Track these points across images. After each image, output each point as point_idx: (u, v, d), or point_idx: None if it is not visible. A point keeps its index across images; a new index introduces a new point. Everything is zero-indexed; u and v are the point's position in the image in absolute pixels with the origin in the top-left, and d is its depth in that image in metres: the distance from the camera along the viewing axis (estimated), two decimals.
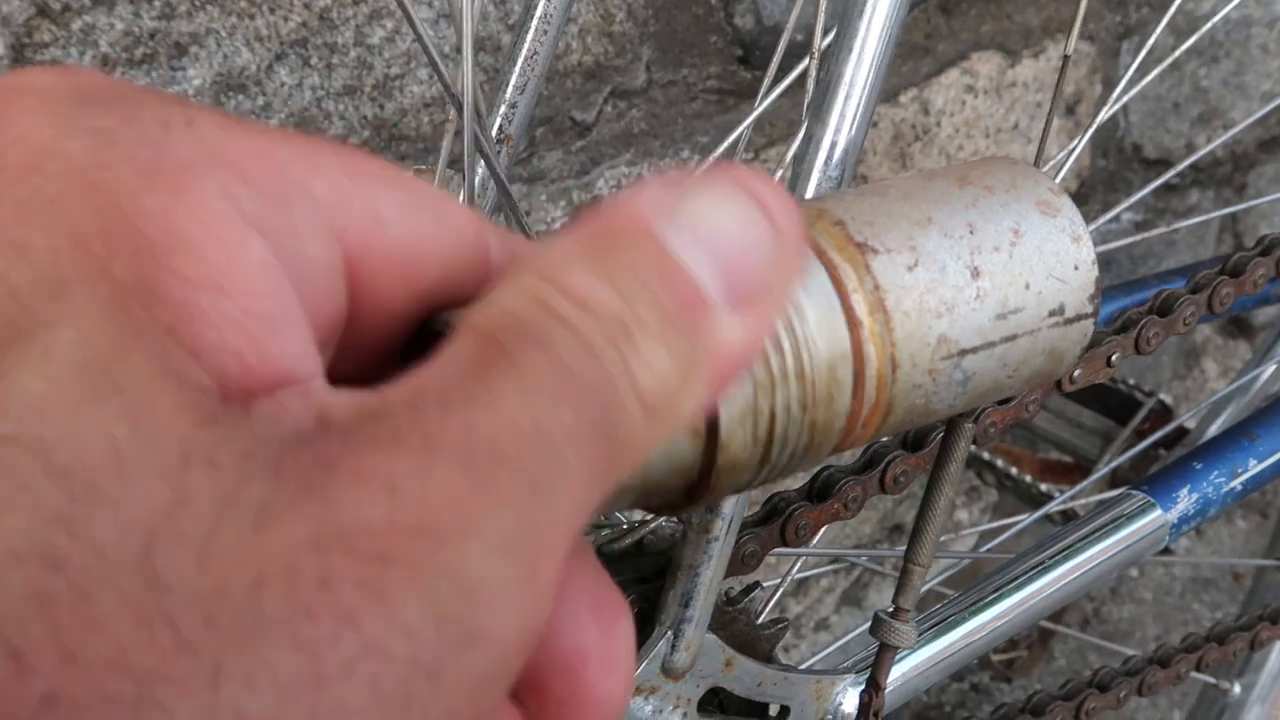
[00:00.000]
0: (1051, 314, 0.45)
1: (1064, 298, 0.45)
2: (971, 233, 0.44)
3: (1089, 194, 1.75)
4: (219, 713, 0.20)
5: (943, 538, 1.05)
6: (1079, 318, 0.46)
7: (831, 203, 0.43)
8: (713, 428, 0.34)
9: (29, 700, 0.19)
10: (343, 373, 0.30)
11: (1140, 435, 1.36)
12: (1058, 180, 0.82)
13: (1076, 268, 0.45)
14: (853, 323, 0.41)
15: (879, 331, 0.41)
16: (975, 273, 0.43)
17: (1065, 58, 0.50)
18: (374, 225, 0.28)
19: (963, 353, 0.43)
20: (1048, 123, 0.50)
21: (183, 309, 0.23)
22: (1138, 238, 0.96)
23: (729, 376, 0.29)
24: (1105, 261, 1.82)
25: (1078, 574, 0.74)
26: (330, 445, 0.22)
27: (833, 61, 0.51)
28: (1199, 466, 0.81)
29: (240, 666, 0.20)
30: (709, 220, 0.28)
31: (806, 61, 0.69)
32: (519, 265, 0.27)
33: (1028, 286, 0.44)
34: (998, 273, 0.44)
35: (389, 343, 0.31)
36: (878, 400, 0.42)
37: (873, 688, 0.55)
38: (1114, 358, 0.70)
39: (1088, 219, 0.89)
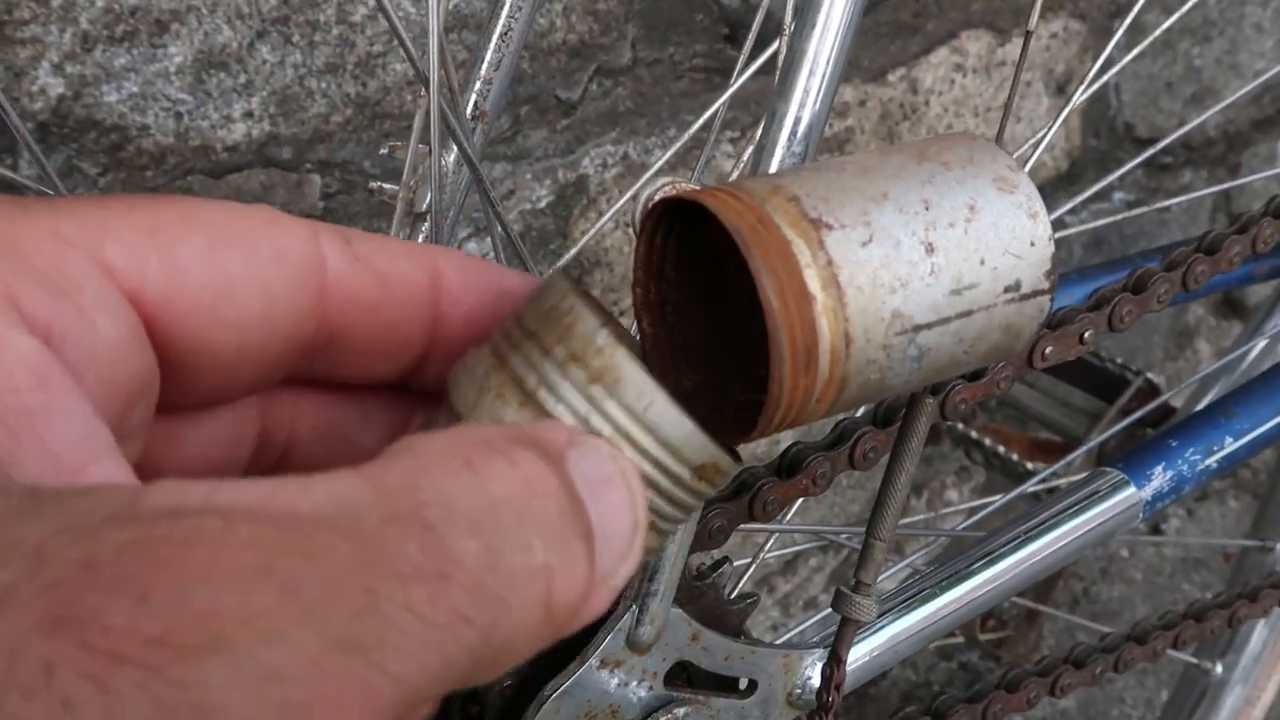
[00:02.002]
0: (1007, 290, 0.45)
1: (1020, 274, 0.45)
2: (927, 208, 0.44)
3: (1080, 174, 1.75)
4: None
5: (925, 516, 1.05)
6: (1035, 294, 0.46)
7: (787, 179, 0.43)
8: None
9: None
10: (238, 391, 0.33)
11: (1127, 414, 1.36)
12: (1035, 156, 0.82)
13: (1033, 244, 0.45)
14: (806, 297, 0.41)
15: (832, 306, 0.41)
16: (930, 248, 0.43)
17: (1027, 33, 0.50)
18: (173, 277, 0.30)
19: (917, 328, 0.44)
20: (1011, 96, 0.50)
21: None
22: (1124, 215, 0.96)
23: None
24: (1096, 242, 1.82)
25: (1050, 550, 0.74)
26: (104, 544, 0.22)
27: (796, 37, 0.51)
28: (1174, 444, 0.81)
29: None
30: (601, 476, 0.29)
31: (778, 41, 0.70)
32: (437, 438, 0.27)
33: (983, 262, 0.45)
34: (952, 248, 0.44)
35: (253, 369, 0.32)
36: (831, 375, 0.42)
37: (834, 661, 0.55)
38: (1087, 335, 0.70)
39: (1077, 198, 0.89)
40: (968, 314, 0.45)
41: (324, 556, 0.22)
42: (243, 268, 0.31)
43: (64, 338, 0.28)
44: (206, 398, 0.33)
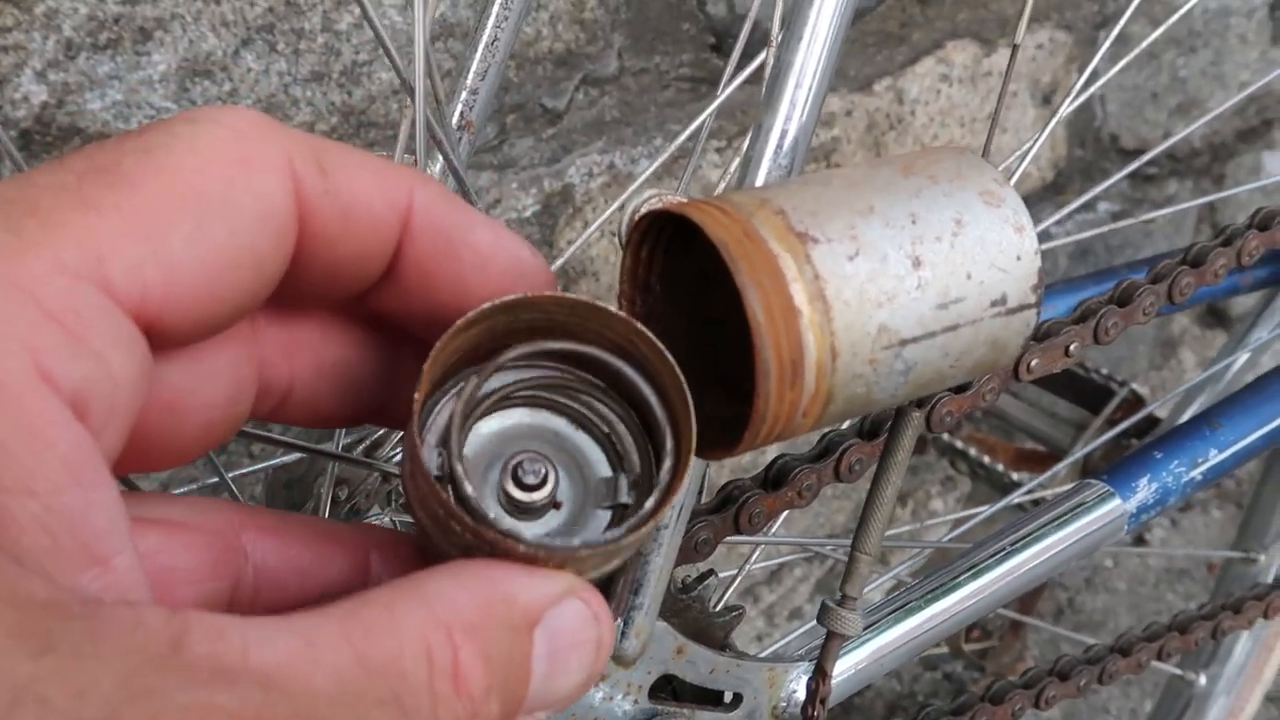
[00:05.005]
0: (994, 304, 0.45)
1: (1006, 288, 0.45)
2: (914, 222, 0.44)
3: (1065, 184, 1.75)
4: None
5: (912, 526, 1.05)
6: (1021, 308, 0.46)
7: (773, 192, 0.43)
8: None
9: None
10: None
11: (1113, 425, 1.36)
12: (1022, 168, 0.82)
13: (1019, 258, 0.45)
14: (792, 312, 0.41)
15: (819, 321, 0.41)
16: (917, 262, 0.43)
17: (1014, 47, 0.50)
18: (169, 275, 0.30)
19: (904, 342, 0.43)
20: (997, 110, 0.50)
21: (3, 519, 0.27)
22: (1110, 227, 0.96)
23: None
24: (1081, 252, 1.82)
25: (1035, 562, 0.74)
26: (168, 708, 0.25)
27: (783, 49, 0.51)
28: (1159, 456, 0.81)
29: None
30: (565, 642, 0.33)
31: (765, 52, 0.69)
32: (419, 596, 0.31)
33: (969, 276, 0.44)
34: (939, 262, 0.44)
35: (238, 316, 0.33)
36: (817, 389, 0.42)
37: (819, 675, 0.55)
38: (1072, 347, 0.70)
39: (1062, 208, 0.89)
40: (954, 328, 0.44)
41: None
42: (229, 239, 0.31)
43: (89, 399, 0.28)
44: (188, 343, 0.33)
